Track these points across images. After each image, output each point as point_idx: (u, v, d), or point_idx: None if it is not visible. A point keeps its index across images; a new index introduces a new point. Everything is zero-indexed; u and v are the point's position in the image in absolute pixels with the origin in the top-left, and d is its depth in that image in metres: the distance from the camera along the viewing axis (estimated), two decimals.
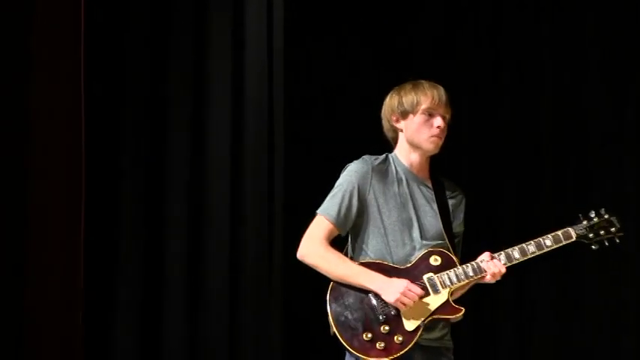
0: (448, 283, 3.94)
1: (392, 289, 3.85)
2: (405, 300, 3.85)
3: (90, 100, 5.02)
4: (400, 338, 3.86)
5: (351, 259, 4.01)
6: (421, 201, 4.04)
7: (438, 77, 4.18)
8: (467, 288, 4.05)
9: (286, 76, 5.49)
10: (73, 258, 4.93)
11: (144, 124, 5.26)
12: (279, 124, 5.47)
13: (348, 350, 3.88)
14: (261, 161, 5.42)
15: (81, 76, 4.97)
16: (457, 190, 4.15)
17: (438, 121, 4.01)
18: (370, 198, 3.99)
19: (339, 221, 3.99)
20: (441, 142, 4.05)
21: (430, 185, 4.09)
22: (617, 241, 4.08)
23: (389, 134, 4.14)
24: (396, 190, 4.02)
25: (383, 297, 3.87)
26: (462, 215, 4.12)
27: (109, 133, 5.19)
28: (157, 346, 5.21)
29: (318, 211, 4.03)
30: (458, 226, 4.10)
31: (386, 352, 3.85)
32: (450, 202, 4.09)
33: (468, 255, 4.06)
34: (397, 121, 4.07)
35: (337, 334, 3.88)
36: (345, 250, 4.07)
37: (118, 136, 5.21)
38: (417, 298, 3.86)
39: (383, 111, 4.13)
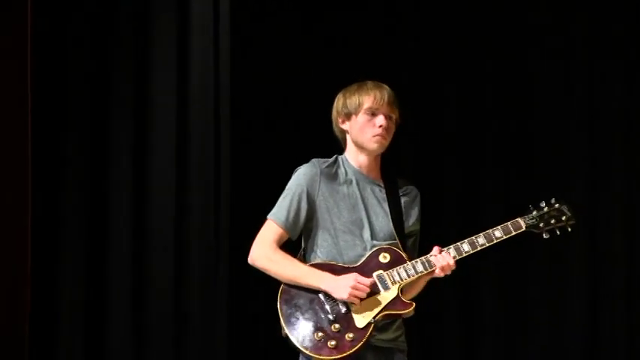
0: (397, 279, 3.92)
1: (341, 286, 3.85)
2: (357, 293, 3.84)
3: (36, 89, 5.13)
4: (351, 336, 3.84)
5: (304, 261, 4.01)
6: (372, 201, 4.03)
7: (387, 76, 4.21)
8: (421, 286, 4.03)
9: (233, 75, 5.48)
10: (20, 255, 5.04)
11: (87, 130, 5.31)
12: (225, 123, 5.47)
13: (299, 351, 3.87)
14: (208, 161, 5.43)
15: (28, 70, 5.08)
16: (411, 188, 4.13)
17: (380, 120, 4.00)
18: (319, 201, 3.99)
19: (288, 225, 3.99)
20: (386, 142, 4.04)
21: (382, 185, 4.08)
22: (570, 229, 4.05)
23: (339, 136, 4.16)
24: (346, 191, 4.02)
25: (334, 295, 3.87)
26: (416, 213, 4.10)
27: (54, 123, 5.25)
28: (101, 349, 5.25)
29: (268, 216, 4.04)
30: (412, 224, 4.08)
31: (337, 350, 3.83)
32: (403, 200, 4.08)
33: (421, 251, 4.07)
34: (343, 122, 4.08)
35: (288, 335, 3.88)
36: (299, 254, 4.07)
37: (66, 129, 5.28)
38: (367, 289, 3.85)
39: (332, 114, 4.15)
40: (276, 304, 3.91)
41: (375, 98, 4.01)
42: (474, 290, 5.77)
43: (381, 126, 4.00)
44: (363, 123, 4.01)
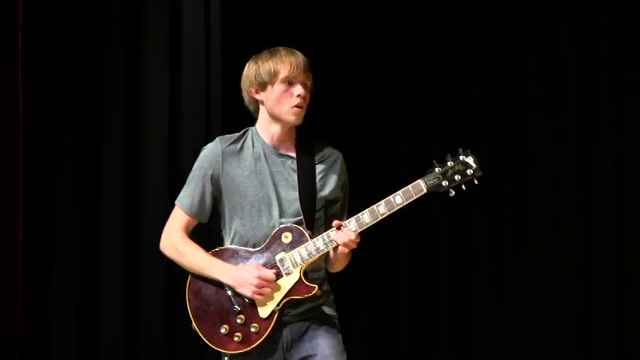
0: (299, 261, 3.74)
1: (244, 282, 3.72)
2: (261, 290, 3.71)
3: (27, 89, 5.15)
4: (256, 327, 3.74)
5: (221, 242, 3.88)
6: (283, 175, 3.83)
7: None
8: (342, 258, 3.81)
9: (224, 72, 5.41)
10: (12, 256, 5.09)
11: (79, 129, 5.30)
12: (216, 121, 5.40)
13: (208, 345, 3.78)
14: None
15: (19, 71, 5.09)
16: (330, 154, 3.90)
17: (299, 90, 3.79)
18: (224, 182, 3.83)
19: (194, 210, 3.87)
20: (303, 112, 3.83)
21: (294, 155, 3.85)
22: (476, 182, 3.73)
23: (250, 107, 3.93)
24: (253, 168, 3.82)
25: (238, 291, 3.74)
26: (336, 179, 3.87)
27: (46, 122, 5.25)
28: (93, 350, 5.30)
29: (175, 201, 3.92)
30: (331, 192, 3.86)
31: (243, 343, 3.75)
32: (319, 168, 3.86)
33: None
34: (257, 92, 3.86)
35: (197, 330, 3.80)
36: (215, 235, 3.94)
37: (58, 129, 5.28)
38: (271, 285, 3.71)
39: (242, 82, 3.91)
40: (184, 296, 3.83)
41: (291, 66, 3.79)
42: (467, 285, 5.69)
43: (299, 95, 3.78)
44: (280, 93, 3.80)
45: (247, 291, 3.71)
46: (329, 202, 3.87)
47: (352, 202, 3.94)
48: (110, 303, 5.27)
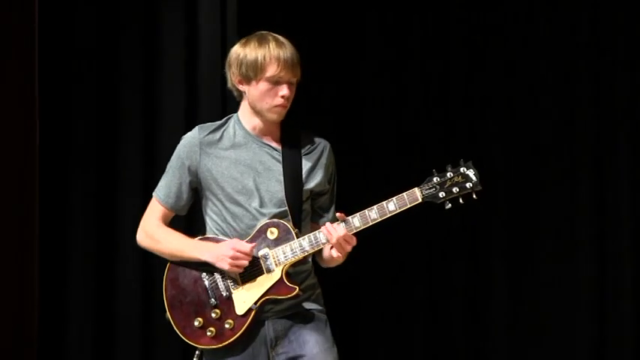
0: (282, 259, 3.59)
1: (221, 256, 3.56)
2: (238, 262, 3.55)
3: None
4: (231, 323, 3.60)
5: (203, 234, 3.74)
6: (265, 165, 3.67)
7: None
8: (338, 258, 3.65)
9: None
10: (28, 255, 5.05)
11: (94, 127, 5.25)
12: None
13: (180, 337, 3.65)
14: None
15: (35, 65, 5.06)
16: (317, 144, 3.73)
17: (284, 91, 3.61)
18: (202, 172, 3.68)
19: (170, 202, 3.72)
20: (286, 110, 3.66)
21: (278, 146, 3.70)
22: (475, 197, 3.57)
23: (233, 91, 3.75)
24: (233, 157, 3.67)
25: (217, 266, 3.59)
26: (323, 170, 3.71)
27: (62, 119, 5.22)
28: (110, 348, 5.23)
29: (153, 193, 3.78)
30: (318, 184, 3.70)
31: (216, 339, 3.61)
32: (306, 160, 3.69)
33: None
34: (240, 83, 3.68)
35: (171, 320, 3.67)
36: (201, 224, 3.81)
37: (73, 127, 5.23)
38: (248, 257, 3.55)
39: (226, 64, 3.72)
40: (162, 284, 3.69)
41: (278, 66, 3.59)
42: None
43: (283, 96, 3.61)
44: (264, 91, 3.61)
45: (224, 264, 3.56)
46: (315, 194, 3.72)
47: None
48: (127, 302, 5.21)
